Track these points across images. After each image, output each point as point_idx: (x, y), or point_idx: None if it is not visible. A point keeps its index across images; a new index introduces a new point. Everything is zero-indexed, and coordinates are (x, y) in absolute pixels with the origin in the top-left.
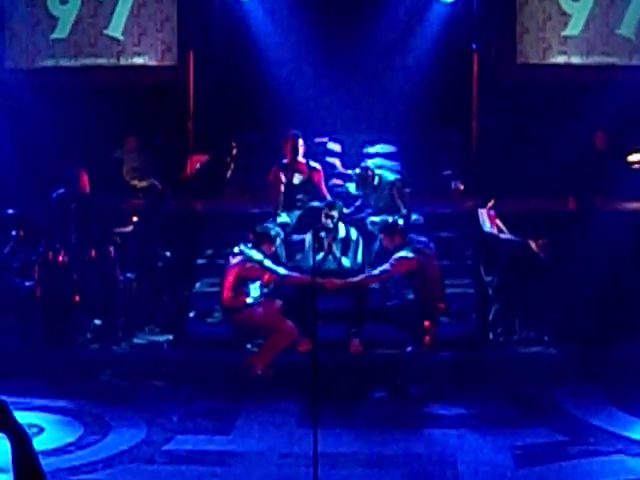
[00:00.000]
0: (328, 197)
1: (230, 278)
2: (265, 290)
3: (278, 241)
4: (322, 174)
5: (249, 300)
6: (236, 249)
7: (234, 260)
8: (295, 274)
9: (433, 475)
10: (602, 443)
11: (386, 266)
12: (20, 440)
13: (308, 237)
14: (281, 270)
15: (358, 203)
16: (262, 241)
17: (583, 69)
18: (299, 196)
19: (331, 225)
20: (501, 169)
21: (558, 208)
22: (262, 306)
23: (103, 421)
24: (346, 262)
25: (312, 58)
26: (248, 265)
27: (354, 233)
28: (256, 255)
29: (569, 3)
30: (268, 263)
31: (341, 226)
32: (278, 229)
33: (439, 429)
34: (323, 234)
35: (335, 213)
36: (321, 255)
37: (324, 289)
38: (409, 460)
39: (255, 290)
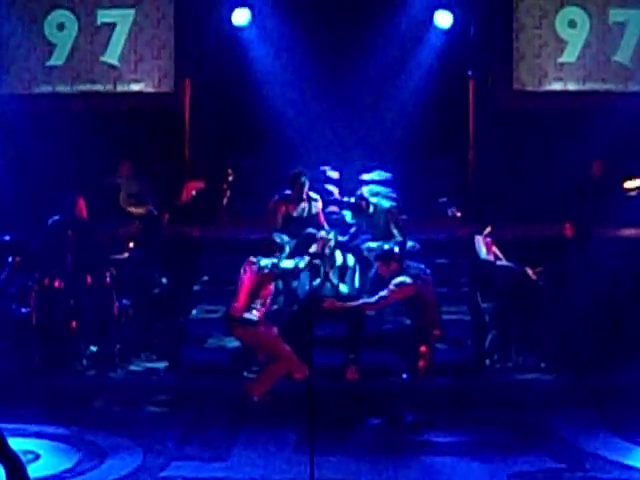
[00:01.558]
0: (326, 227)
1: (245, 286)
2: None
3: (287, 249)
4: (321, 205)
5: (253, 317)
6: (251, 260)
7: (249, 269)
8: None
9: None
10: (598, 470)
11: (384, 292)
12: (14, 467)
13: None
14: (300, 262)
15: (352, 230)
16: (272, 251)
17: (579, 96)
18: (297, 228)
19: (328, 252)
20: (497, 196)
21: (555, 235)
22: (264, 326)
23: (99, 448)
24: (344, 289)
25: (308, 85)
26: (264, 272)
27: (351, 260)
28: (268, 261)
29: (565, 30)
30: (283, 263)
31: (338, 254)
32: (286, 238)
33: (435, 456)
34: (318, 261)
35: (331, 242)
36: (318, 281)
37: (322, 309)
38: None
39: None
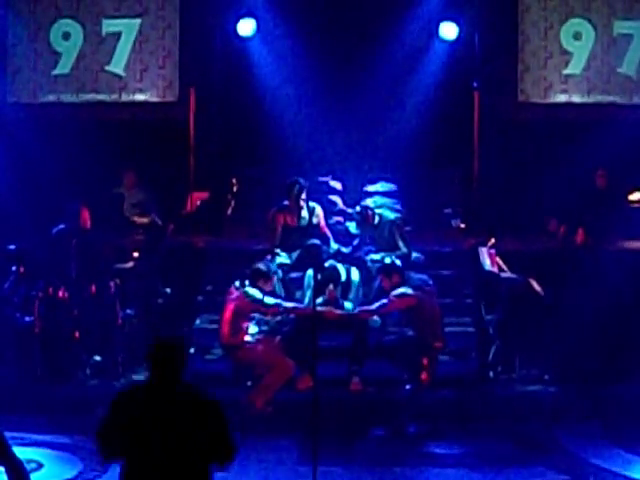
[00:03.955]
0: (329, 235)
1: (227, 314)
2: (265, 327)
3: (275, 278)
4: (322, 214)
5: (248, 338)
6: (235, 285)
7: (231, 296)
8: (297, 305)
9: None
10: None
11: (385, 301)
12: (17, 472)
13: (308, 275)
14: (284, 303)
15: (356, 242)
16: (257, 278)
17: (584, 108)
18: (298, 238)
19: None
20: (502, 207)
21: (559, 246)
22: (261, 343)
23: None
24: (348, 306)
25: (313, 95)
26: (245, 300)
27: (355, 274)
28: (255, 293)
29: (570, 42)
30: (269, 300)
31: (342, 269)
32: (274, 266)
33: (438, 468)
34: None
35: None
36: (321, 299)
37: (323, 319)
38: None
39: (254, 327)
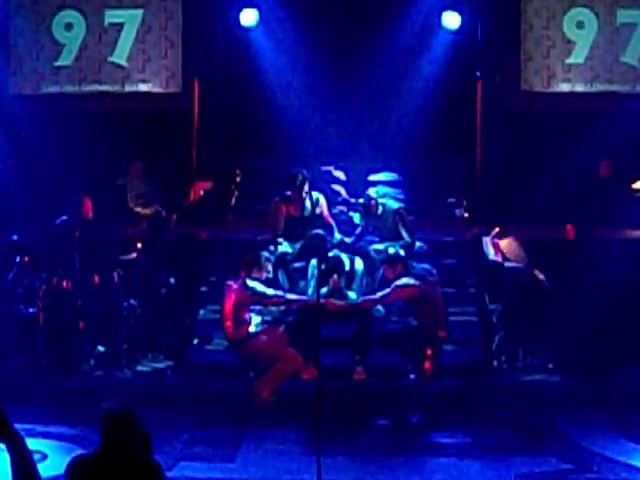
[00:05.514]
0: (333, 225)
1: (228, 307)
2: (269, 317)
3: (269, 266)
4: (325, 204)
5: (252, 329)
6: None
7: (230, 288)
8: (300, 297)
9: None
10: (606, 471)
11: (387, 290)
12: (18, 447)
13: (311, 265)
14: (286, 294)
15: (358, 231)
16: (251, 268)
17: (587, 97)
18: (301, 228)
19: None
20: (505, 197)
21: (562, 236)
22: (266, 334)
23: None
24: (353, 295)
25: (316, 85)
26: (245, 292)
27: (359, 264)
28: (256, 286)
29: (573, 31)
30: (270, 291)
31: (345, 259)
32: (267, 254)
33: (442, 457)
34: (323, 265)
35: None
36: (325, 289)
37: (325, 311)
38: None
39: (256, 317)
